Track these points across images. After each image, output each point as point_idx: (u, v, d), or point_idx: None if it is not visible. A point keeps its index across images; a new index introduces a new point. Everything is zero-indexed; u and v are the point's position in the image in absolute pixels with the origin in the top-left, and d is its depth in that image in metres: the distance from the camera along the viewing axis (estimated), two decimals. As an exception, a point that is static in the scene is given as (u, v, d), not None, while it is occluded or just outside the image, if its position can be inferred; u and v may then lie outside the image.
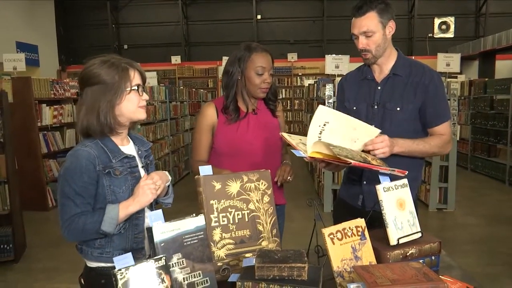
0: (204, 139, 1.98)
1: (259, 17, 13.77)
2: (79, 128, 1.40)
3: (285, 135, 1.56)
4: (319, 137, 1.49)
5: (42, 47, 11.41)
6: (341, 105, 1.95)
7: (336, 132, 1.51)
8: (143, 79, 1.47)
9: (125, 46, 14.20)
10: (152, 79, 7.09)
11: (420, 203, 5.47)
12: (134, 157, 1.47)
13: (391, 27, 1.75)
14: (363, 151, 1.58)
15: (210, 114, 1.96)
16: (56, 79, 5.84)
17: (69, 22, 13.80)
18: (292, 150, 1.51)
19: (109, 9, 13.70)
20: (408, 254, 1.38)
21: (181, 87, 8.79)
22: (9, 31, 10.22)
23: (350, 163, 1.35)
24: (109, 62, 1.38)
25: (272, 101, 2.05)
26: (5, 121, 3.74)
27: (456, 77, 8.54)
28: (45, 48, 11.97)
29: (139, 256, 1.44)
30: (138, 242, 1.46)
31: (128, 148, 1.50)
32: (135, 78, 1.42)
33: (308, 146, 1.48)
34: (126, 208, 1.36)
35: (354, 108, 1.87)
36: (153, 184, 1.38)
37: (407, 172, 1.49)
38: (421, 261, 1.36)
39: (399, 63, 1.80)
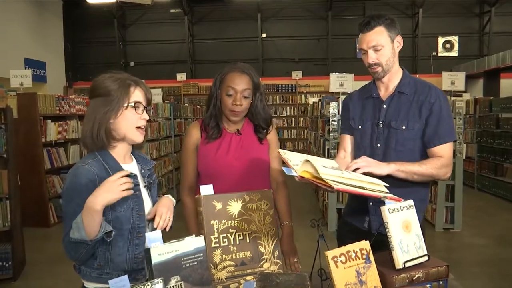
0: (190, 160, 1.86)
1: (264, 35, 13.93)
2: (81, 137, 1.42)
3: (282, 151, 1.46)
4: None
5: (50, 64, 11.59)
6: (346, 124, 1.93)
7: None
8: (147, 99, 1.44)
9: (132, 63, 14.37)
10: (157, 96, 7.13)
11: (426, 223, 5.38)
12: (136, 175, 1.44)
13: (399, 42, 1.74)
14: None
15: (194, 133, 1.86)
16: (61, 95, 5.88)
17: (77, 39, 14.04)
18: (283, 167, 1.39)
19: (116, 27, 13.92)
20: (414, 278, 1.33)
21: (186, 104, 8.82)
22: (18, 48, 10.38)
23: (333, 187, 1.25)
24: (115, 77, 1.40)
25: (262, 129, 1.88)
26: (8, 137, 3.74)
27: (461, 96, 8.52)
28: (53, 64, 12.15)
29: (139, 277, 1.41)
30: (138, 263, 1.42)
31: (130, 166, 1.47)
32: (135, 95, 1.40)
33: (295, 165, 1.37)
34: (88, 204, 1.24)
35: (360, 127, 1.84)
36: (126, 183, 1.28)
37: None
38: (428, 285, 1.32)
39: (404, 81, 1.78)
